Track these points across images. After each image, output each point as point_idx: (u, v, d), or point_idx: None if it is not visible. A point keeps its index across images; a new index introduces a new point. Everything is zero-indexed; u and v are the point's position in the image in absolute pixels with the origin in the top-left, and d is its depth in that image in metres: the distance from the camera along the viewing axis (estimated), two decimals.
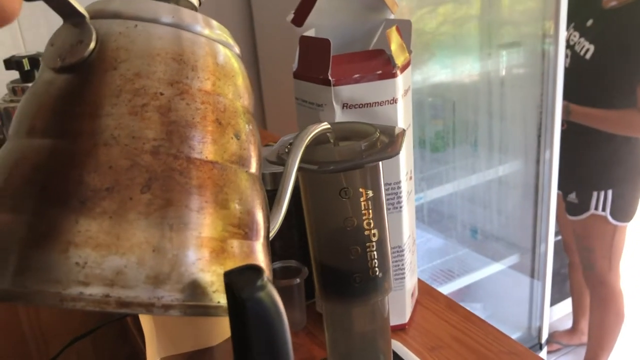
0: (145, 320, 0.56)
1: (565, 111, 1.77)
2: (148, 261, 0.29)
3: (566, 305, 2.39)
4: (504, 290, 1.98)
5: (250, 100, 0.39)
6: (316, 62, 0.61)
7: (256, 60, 1.58)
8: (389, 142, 0.46)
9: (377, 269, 0.47)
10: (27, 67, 0.87)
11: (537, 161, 1.79)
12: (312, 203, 0.47)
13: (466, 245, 1.93)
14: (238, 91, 0.37)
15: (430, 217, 1.85)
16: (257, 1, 1.55)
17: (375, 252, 0.46)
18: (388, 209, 0.65)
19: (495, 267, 1.90)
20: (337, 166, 0.43)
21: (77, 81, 0.32)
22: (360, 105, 0.61)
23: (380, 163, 0.47)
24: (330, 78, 0.60)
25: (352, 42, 0.68)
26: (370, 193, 0.45)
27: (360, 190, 0.45)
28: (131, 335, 0.82)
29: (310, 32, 0.65)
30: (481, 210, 1.91)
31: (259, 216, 0.35)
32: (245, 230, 0.33)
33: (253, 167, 0.37)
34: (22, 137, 0.33)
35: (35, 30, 1.32)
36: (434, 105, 1.66)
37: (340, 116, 0.61)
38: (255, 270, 0.25)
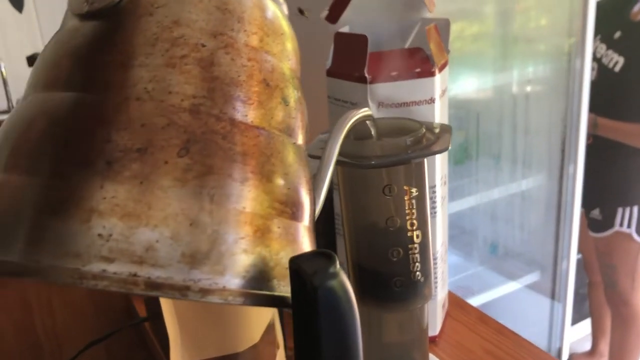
0: (171, 324, 0.53)
1: (592, 124, 1.73)
2: (184, 236, 0.25)
3: (585, 327, 2.33)
4: (523, 309, 1.93)
5: (299, 66, 0.35)
6: (352, 59, 0.59)
7: None
8: (436, 138, 0.44)
9: (418, 272, 0.44)
10: None
11: (561, 176, 1.76)
12: (352, 201, 0.45)
13: (485, 261, 1.89)
14: (286, 52, 0.33)
15: (450, 231, 1.82)
16: None
17: (417, 255, 0.44)
18: None
19: (514, 286, 1.86)
20: (382, 161, 0.41)
21: (106, 28, 0.29)
22: (397, 105, 0.59)
23: (425, 161, 0.45)
24: (366, 75, 0.57)
25: (387, 40, 0.65)
26: (414, 192, 0.43)
27: (405, 188, 0.42)
28: (148, 341, 0.79)
29: (345, 30, 0.63)
30: (502, 225, 1.87)
31: (306, 195, 0.31)
32: (292, 209, 0.29)
33: (300, 139, 0.33)
34: (42, 90, 0.29)
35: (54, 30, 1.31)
36: (457, 116, 1.64)
37: (375, 115, 0.59)
38: (327, 256, 0.22)
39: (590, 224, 1.91)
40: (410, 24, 0.67)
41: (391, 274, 0.44)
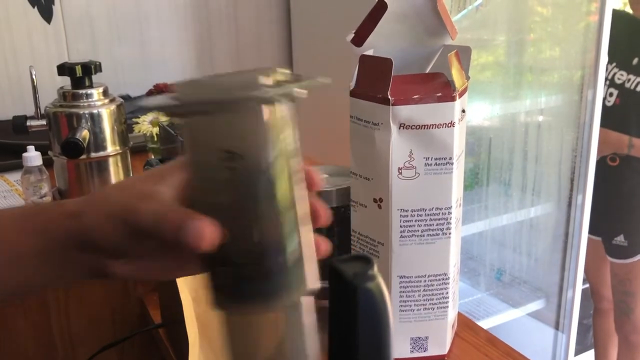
0: (192, 329, 0.55)
1: (628, 145, 1.75)
2: None
3: (588, 358, 2.32)
4: (526, 337, 1.93)
5: None
6: (376, 81, 0.61)
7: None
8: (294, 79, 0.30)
9: (252, 270, 0.30)
10: (79, 73, 0.88)
11: (569, 205, 1.77)
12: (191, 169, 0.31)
13: (491, 287, 1.89)
14: None
15: None
16: (297, 26, 1.57)
17: (241, 242, 0.30)
18: (436, 235, 0.64)
19: (518, 313, 1.86)
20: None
21: None
22: (417, 127, 0.61)
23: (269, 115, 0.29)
24: (389, 97, 0.60)
25: (409, 65, 0.68)
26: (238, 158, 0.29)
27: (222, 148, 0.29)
28: (161, 347, 0.81)
29: (369, 53, 0.65)
30: (509, 251, 1.88)
31: None
32: None
33: None
34: None
35: (80, 40, 1.35)
36: (467, 142, 1.66)
37: (396, 136, 0.61)
38: (365, 260, 0.24)
39: (612, 250, 1.91)
40: (432, 50, 0.70)
41: (237, 264, 0.31)
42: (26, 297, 0.45)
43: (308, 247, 0.30)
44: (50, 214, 0.39)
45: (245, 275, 0.30)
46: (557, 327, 1.92)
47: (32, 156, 0.82)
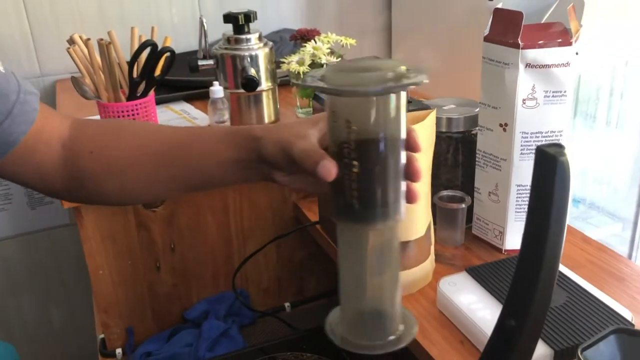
0: None
1: None
2: None
3: None
4: None
5: None
6: (508, 29, 0.77)
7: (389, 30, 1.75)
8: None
9: (355, 200, 0.45)
10: (241, 21, 1.07)
11: None
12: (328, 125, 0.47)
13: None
14: None
15: None
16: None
17: (354, 183, 0.44)
18: None
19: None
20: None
21: None
22: (540, 66, 0.77)
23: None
24: (520, 42, 0.76)
25: (529, 15, 0.83)
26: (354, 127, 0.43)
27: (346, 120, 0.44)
28: (314, 241, 1.02)
29: (499, 6, 0.81)
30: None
31: None
32: None
33: None
34: None
35: None
36: None
37: (522, 74, 0.77)
38: (560, 146, 0.42)
39: None
40: (549, 2, 0.85)
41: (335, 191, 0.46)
42: (221, 188, 0.72)
43: (400, 192, 0.46)
44: (243, 135, 0.56)
45: (355, 203, 0.45)
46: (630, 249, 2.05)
47: (217, 89, 1.02)
